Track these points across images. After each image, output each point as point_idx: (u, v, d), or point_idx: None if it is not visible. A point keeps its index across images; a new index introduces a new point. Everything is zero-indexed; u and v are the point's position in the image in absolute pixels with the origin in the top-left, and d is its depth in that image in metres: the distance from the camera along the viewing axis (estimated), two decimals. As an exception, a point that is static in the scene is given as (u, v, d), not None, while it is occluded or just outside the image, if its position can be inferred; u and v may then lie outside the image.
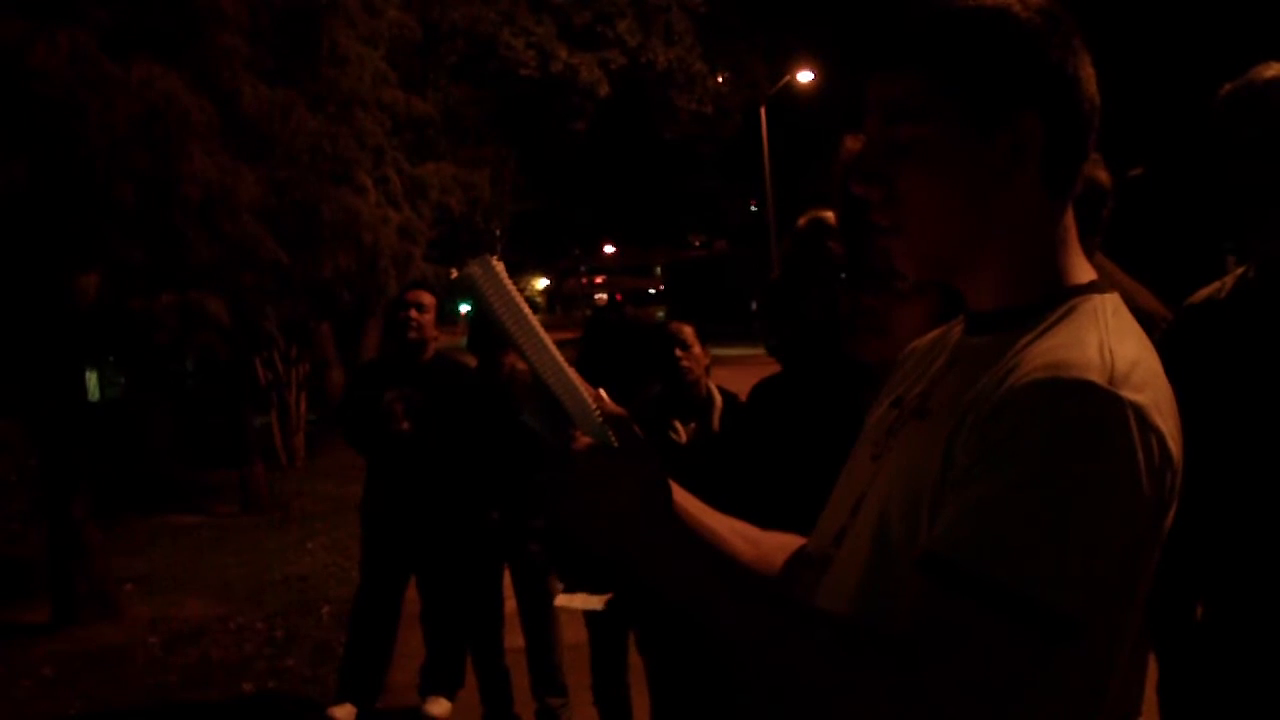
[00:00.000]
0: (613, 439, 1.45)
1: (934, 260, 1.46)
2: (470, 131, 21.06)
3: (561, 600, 4.98)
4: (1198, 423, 1.96)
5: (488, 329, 5.37)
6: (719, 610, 1.37)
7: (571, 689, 5.76)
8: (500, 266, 1.44)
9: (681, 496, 1.57)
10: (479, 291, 1.43)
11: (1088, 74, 1.43)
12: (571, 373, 1.46)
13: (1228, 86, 2.28)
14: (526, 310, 1.46)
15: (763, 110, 31.47)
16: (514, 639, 5.90)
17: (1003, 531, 1.23)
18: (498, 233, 20.00)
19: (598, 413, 1.46)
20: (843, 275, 2.29)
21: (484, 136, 21.82)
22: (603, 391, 1.51)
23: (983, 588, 1.22)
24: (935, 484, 1.33)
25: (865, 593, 1.40)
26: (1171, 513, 1.34)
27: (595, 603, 4.77)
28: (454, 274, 17.02)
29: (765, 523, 1.70)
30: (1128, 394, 1.26)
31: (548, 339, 1.45)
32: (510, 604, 5.89)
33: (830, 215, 2.58)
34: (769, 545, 1.66)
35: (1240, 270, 2.39)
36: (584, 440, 1.45)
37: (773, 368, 3.23)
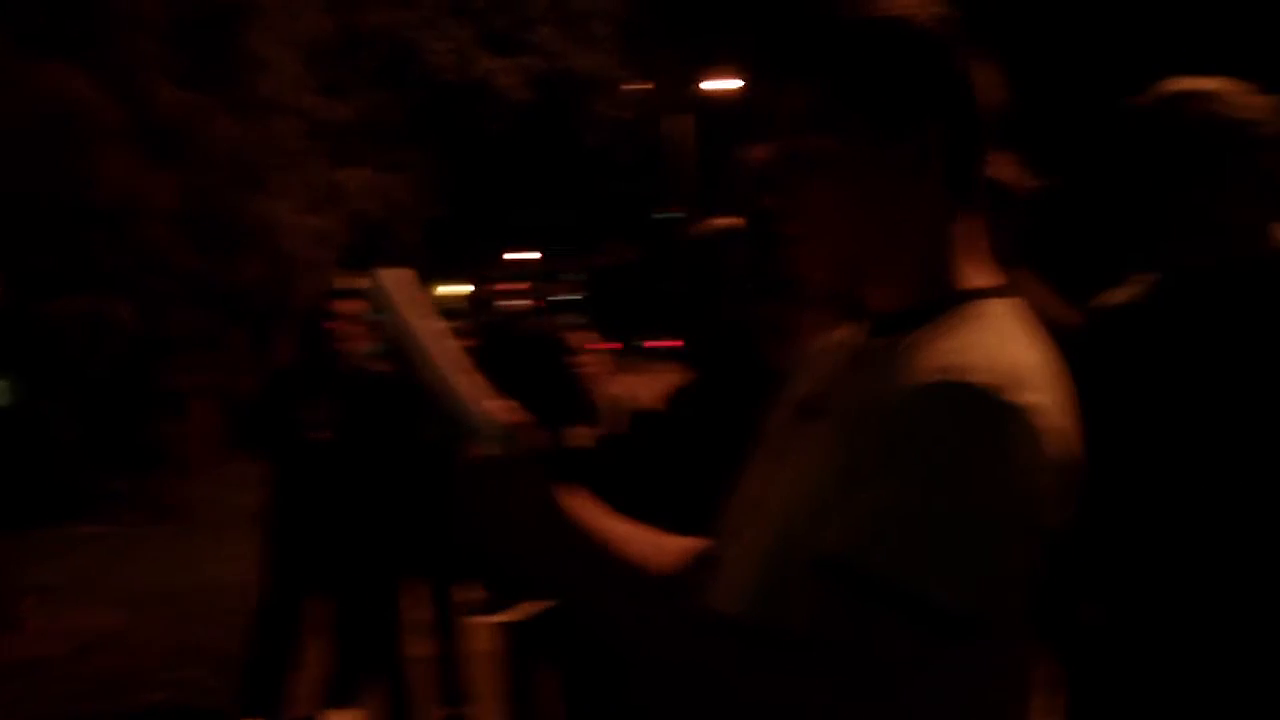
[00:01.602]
0: (511, 447, 1.45)
1: (841, 268, 1.47)
2: (390, 137, 20.93)
3: (477, 609, 4.96)
4: (1108, 426, 1.99)
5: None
6: (621, 616, 1.39)
7: (478, 699, 5.73)
8: (405, 274, 1.43)
9: (582, 503, 1.55)
10: (380, 300, 1.43)
11: (989, 81, 1.45)
12: (474, 381, 1.46)
13: (1136, 100, 2.32)
14: (430, 319, 1.46)
15: (682, 118, 31.56)
16: (422, 648, 5.85)
17: (897, 533, 1.25)
18: (417, 239, 19.88)
19: (497, 421, 1.46)
20: (752, 283, 2.30)
21: (404, 142, 21.70)
22: (510, 400, 1.50)
23: (878, 590, 1.24)
24: (833, 485, 1.34)
25: (762, 594, 1.40)
26: (1069, 513, 1.36)
27: (511, 613, 4.75)
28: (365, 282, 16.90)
29: (676, 527, 1.70)
30: (1022, 396, 1.28)
31: (454, 347, 1.45)
32: (418, 613, 5.85)
33: (732, 222, 2.59)
34: (674, 549, 1.66)
35: (1148, 276, 2.43)
36: (483, 448, 1.45)
37: (688, 374, 3.24)
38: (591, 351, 4.65)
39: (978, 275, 1.47)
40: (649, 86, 27.14)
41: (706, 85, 30.13)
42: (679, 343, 3.38)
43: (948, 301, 1.43)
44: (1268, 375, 2.20)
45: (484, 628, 5.25)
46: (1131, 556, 2.33)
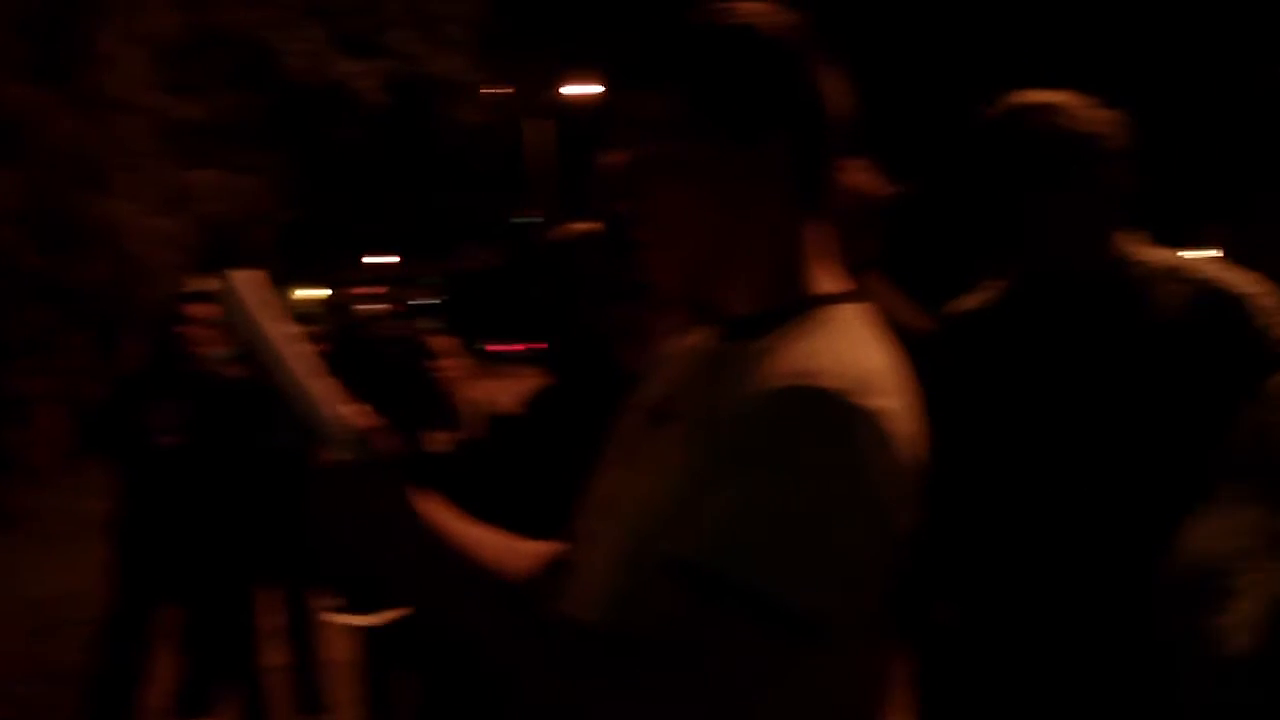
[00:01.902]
0: (364, 452, 1.43)
1: (693, 272, 1.48)
2: (244, 139, 20.53)
3: (334, 616, 4.90)
4: (956, 429, 2.02)
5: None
6: (475, 622, 1.37)
7: (336, 706, 5.67)
8: (257, 276, 1.41)
9: (436, 508, 1.53)
10: (230, 303, 1.41)
11: (837, 89, 1.47)
12: (327, 385, 1.44)
13: (988, 111, 2.37)
14: (282, 322, 1.43)
15: (540, 123, 31.53)
16: (277, 657, 5.76)
17: (748, 536, 1.26)
18: (271, 242, 19.55)
19: (350, 426, 1.44)
20: (607, 287, 2.31)
21: (258, 144, 21.31)
22: (364, 405, 1.48)
23: (729, 591, 1.25)
24: (682, 489, 1.35)
25: (613, 599, 1.41)
26: (917, 515, 1.38)
27: (369, 619, 4.70)
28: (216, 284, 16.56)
29: (534, 532, 1.70)
30: (869, 400, 1.30)
31: (306, 350, 1.43)
32: (273, 620, 5.76)
33: (591, 226, 2.60)
34: (530, 554, 1.66)
35: (999, 282, 2.49)
36: (335, 454, 1.43)
37: (547, 378, 3.24)
38: (451, 355, 4.63)
39: (828, 280, 1.49)
40: (508, 91, 27.06)
41: (567, 90, 30.18)
42: (523, 346, 3.38)
43: (798, 306, 1.45)
44: (1107, 379, 2.27)
45: (340, 634, 5.18)
46: (980, 556, 2.38)
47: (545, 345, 3.37)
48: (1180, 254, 2.42)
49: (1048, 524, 2.28)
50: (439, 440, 4.54)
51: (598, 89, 30.97)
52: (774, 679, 1.27)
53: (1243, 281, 2.29)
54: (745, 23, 1.44)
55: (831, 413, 1.29)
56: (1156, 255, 2.36)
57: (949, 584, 2.44)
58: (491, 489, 2.74)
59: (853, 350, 1.37)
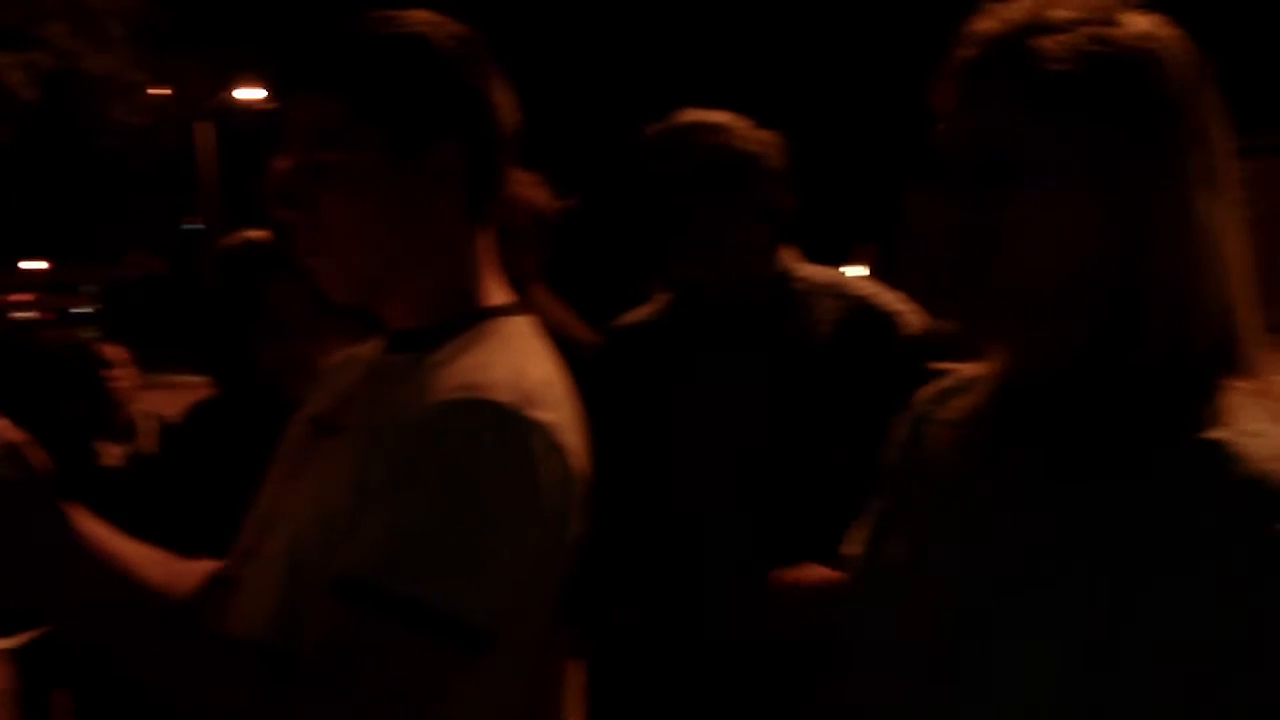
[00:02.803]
0: (10, 468, 1.32)
1: (358, 283, 1.45)
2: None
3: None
4: (620, 439, 2.06)
5: None
6: (135, 644, 1.30)
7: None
8: None
9: (92, 526, 1.40)
10: None
11: (504, 101, 1.48)
12: None
13: (653, 128, 2.42)
14: None
15: (205, 126, 30.44)
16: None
17: (414, 550, 1.25)
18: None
19: None
20: (265, 300, 2.26)
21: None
22: (9, 419, 1.38)
23: (396, 605, 1.24)
24: (349, 502, 1.33)
25: (280, 614, 1.38)
26: (581, 524, 1.40)
27: (8, 641, 4.49)
28: None
29: (200, 548, 1.64)
30: (536, 413, 1.31)
31: None
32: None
33: (258, 235, 2.56)
34: (186, 570, 1.58)
35: (662, 296, 2.55)
36: None
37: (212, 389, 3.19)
38: (119, 365, 4.48)
39: (497, 292, 1.50)
40: (168, 92, 26.04)
41: (233, 93, 29.25)
42: (202, 358, 3.31)
43: (466, 319, 1.45)
44: (766, 392, 2.34)
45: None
46: (645, 561, 2.43)
47: (208, 356, 3.30)
48: (838, 271, 2.53)
49: (704, 534, 2.34)
50: (111, 453, 4.39)
51: (261, 93, 30.16)
52: (444, 692, 1.28)
53: (893, 300, 2.40)
54: (412, 32, 1.43)
55: (501, 425, 1.29)
56: (816, 272, 2.46)
57: (622, 589, 2.48)
58: (162, 502, 2.69)
59: (522, 363, 1.38)
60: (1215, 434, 1.02)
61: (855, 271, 3.46)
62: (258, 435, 2.39)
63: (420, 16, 1.45)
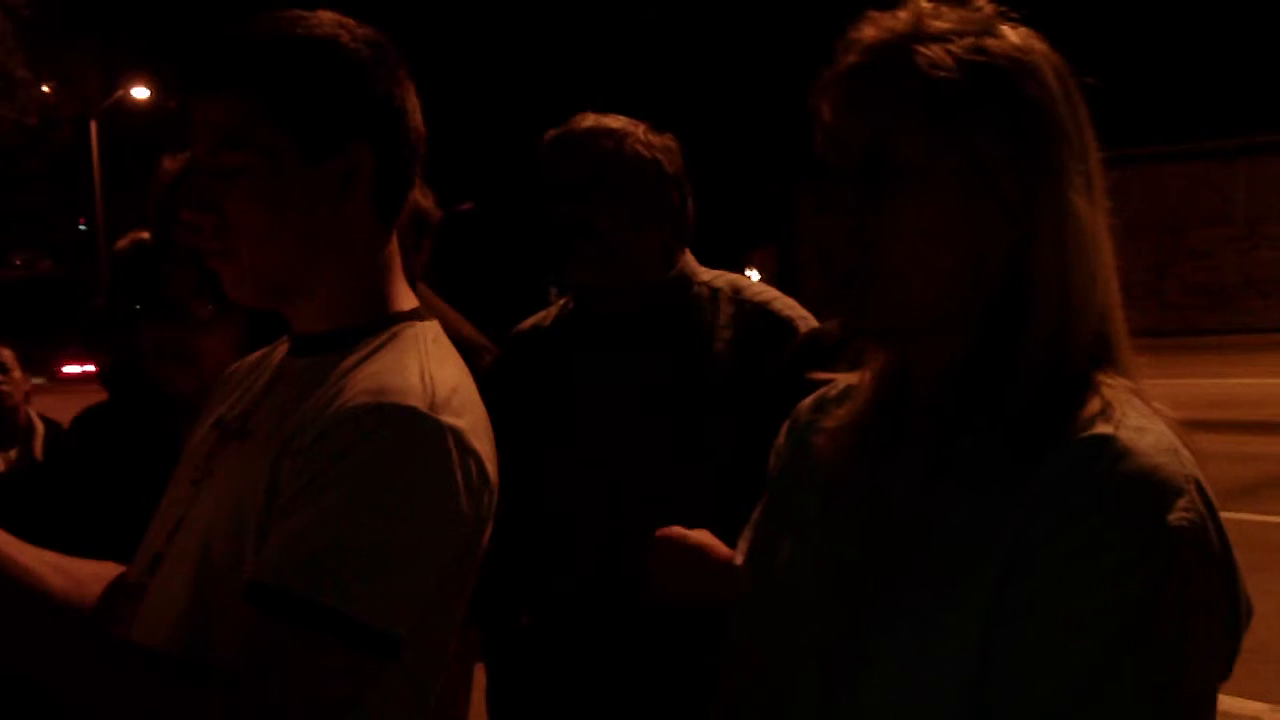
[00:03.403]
0: None
1: (265, 286, 1.43)
2: None
3: None
4: (521, 442, 2.05)
5: None
6: (37, 653, 1.27)
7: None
8: None
9: None
10: None
11: (414, 104, 1.47)
12: None
13: (551, 132, 2.42)
14: None
15: (94, 125, 29.87)
16: None
17: (327, 556, 1.24)
18: None
19: None
20: (138, 305, 2.23)
21: None
22: None
23: (307, 612, 1.23)
24: (259, 508, 1.32)
25: (187, 620, 1.36)
26: (488, 531, 1.41)
27: None
28: None
29: (90, 553, 1.61)
30: (447, 419, 1.31)
31: None
32: None
33: (146, 236, 2.53)
34: (85, 575, 1.56)
35: (562, 300, 2.56)
36: None
37: (101, 395, 3.15)
38: (17, 369, 4.38)
39: (400, 298, 1.49)
40: (48, 90, 25.50)
41: (119, 92, 28.76)
42: (97, 367, 3.27)
43: (375, 323, 1.44)
44: (666, 395, 2.35)
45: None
46: (545, 564, 2.43)
47: (98, 360, 3.25)
48: (737, 276, 2.55)
49: (604, 537, 2.33)
50: (0, 458, 4.29)
51: (146, 92, 29.65)
52: (355, 698, 1.27)
53: (790, 306, 2.42)
54: (323, 34, 1.41)
55: (410, 431, 1.29)
56: (714, 276, 2.48)
57: (527, 591, 2.48)
58: (46, 507, 2.66)
59: (432, 368, 1.38)
60: (1102, 429, 1.06)
61: (751, 275, 3.45)
62: (147, 442, 2.36)
63: (329, 18, 1.43)
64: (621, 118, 2.43)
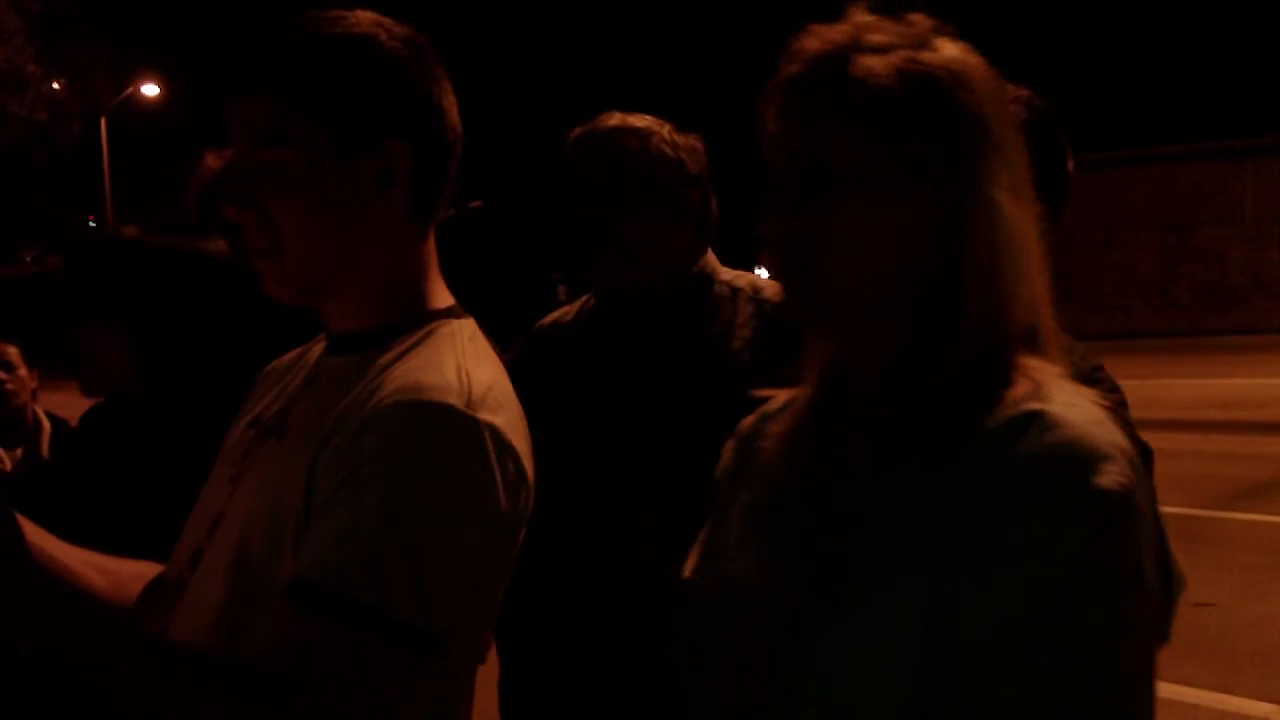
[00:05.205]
0: None
1: (305, 283, 1.44)
2: None
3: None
4: (541, 438, 2.14)
5: None
6: (83, 654, 1.23)
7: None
8: None
9: (31, 531, 1.37)
10: None
11: (451, 103, 1.48)
12: None
13: (576, 131, 2.43)
14: None
15: (103, 121, 29.93)
16: None
17: (368, 554, 1.24)
18: None
19: None
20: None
21: None
22: None
23: (352, 611, 1.23)
24: (297, 505, 1.32)
25: (226, 617, 1.36)
26: (524, 529, 1.41)
27: None
28: None
29: (99, 551, 1.59)
30: (484, 416, 1.32)
31: None
32: None
33: (133, 232, 2.53)
34: (126, 575, 1.56)
35: (585, 297, 2.58)
36: None
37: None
38: (22, 366, 4.37)
39: (437, 295, 1.50)
40: (58, 87, 25.55)
41: (128, 89, 28.83)
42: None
43: (411, 321, 1.45)
44: (686, 393, 2.36)
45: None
46: (565, 564, 2.42)
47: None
48: (757, 276, 2.56)
49: (626, 537, 2.35)
50: (3, 457, 4.29)
51: (161, 89, 29.73)
52: (398, 695, 1.27)
53: None
54: (361, 32, 1.43)
55: (447, 428, 1.30)
56: (736, 276, 2.49)
57: (542, 592, 2.45)
58: (57, 506, 2.66)
59: (469, 365, 1.38)
60: (1033, 406, 1.12)
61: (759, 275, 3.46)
62: (151, 443, 2.36)
63: (367, 17, 1.45)
64: (647, 117, 2.44)
